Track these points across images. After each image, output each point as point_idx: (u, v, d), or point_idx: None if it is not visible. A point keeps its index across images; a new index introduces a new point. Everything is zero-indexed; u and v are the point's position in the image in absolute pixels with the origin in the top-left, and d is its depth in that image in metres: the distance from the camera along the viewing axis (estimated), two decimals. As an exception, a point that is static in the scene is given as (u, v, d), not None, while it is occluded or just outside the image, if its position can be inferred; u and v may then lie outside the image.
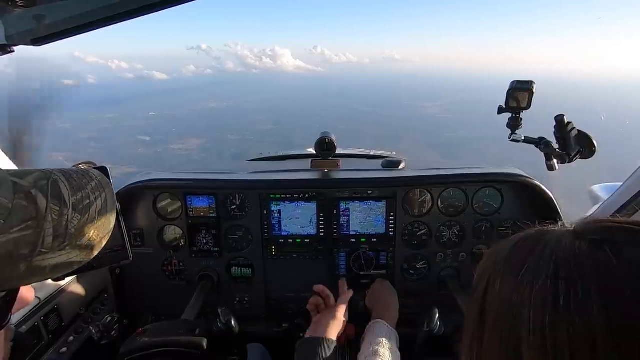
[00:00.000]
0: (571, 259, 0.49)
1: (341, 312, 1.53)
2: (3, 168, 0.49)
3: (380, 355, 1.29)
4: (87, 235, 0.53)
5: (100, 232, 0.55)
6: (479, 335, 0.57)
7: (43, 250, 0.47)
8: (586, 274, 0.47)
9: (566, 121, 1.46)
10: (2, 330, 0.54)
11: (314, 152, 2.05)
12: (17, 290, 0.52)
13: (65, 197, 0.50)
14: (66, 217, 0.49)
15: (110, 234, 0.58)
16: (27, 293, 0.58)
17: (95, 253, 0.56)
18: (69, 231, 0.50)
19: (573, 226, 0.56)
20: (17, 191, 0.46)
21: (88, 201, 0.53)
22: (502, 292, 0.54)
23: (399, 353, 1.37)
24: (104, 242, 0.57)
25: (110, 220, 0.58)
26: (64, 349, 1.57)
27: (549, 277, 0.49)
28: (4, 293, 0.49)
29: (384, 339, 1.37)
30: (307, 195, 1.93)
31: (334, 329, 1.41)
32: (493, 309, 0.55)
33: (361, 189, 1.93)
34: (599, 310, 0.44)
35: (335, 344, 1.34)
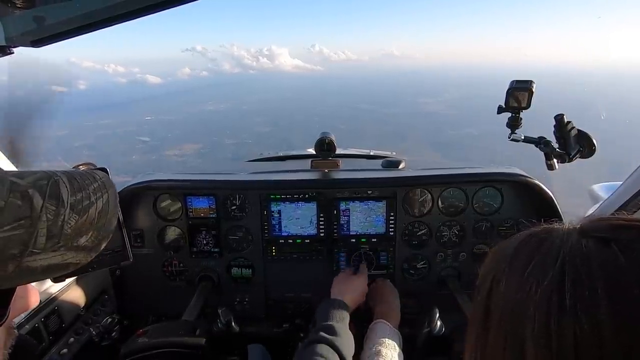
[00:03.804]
0: (578, 258, 0.48)
1: (345, 277, 1.74)
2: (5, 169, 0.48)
3: (383, 356, 1.29)
4: (85, 236, 0.51)
5: (99, 233, 0.53)
6: (483, 335, 0.56)
7: (35, 250, 0.45)
8: (593, 272, 0.46)
9: (566, 120, 1.45)
10: (2, 329, 0.53)
11: (314, 152, 2.05)
12: (13, 291, 0.51)
13: (63, 197, 0.49)
14: (62, 217, 0.48)
15: (110, 236, 0.56)
16: (32, 297, 0.57)
17: (93, 255, 0.54)
18: (65, 231, 0.48)
19: (579, 224, 0.55)
20: (13, 190, 0.45)
21: (88, 202, 0.52)
22: (507, 290, 0.53)
23: (402, 354, 1.37)
24: (104, 244, 0.55)
25: (112, 221, 0.56)
26: (65, 350, 1.57)
27: (555, 275, 0.48)
28: None
29: (387, 339, 1.37)
30: (307, 196, 1.93)
31: (341, 290, 1.63)
32: (498, 308, 0.54)
33: (361, 189, 1.93)
34: (606, 310, 0.43)
35: (345, 304, 1.49)
